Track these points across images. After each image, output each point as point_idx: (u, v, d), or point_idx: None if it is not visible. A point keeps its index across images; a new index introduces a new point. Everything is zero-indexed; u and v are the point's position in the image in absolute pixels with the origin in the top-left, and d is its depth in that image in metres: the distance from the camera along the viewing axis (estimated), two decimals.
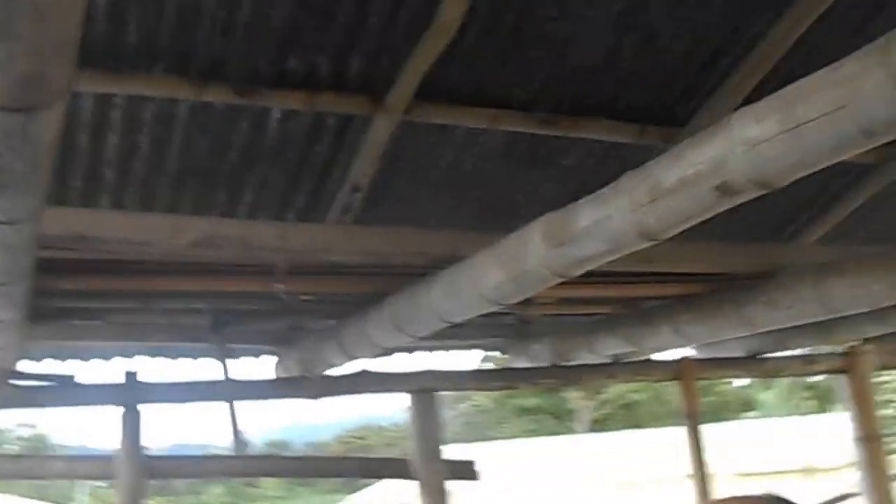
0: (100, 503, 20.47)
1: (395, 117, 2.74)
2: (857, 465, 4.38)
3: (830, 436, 12.87)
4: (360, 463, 3.45)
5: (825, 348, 4.45)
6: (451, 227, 3.06)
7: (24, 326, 2.54)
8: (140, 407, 3.17)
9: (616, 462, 15.42)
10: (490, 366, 4.26)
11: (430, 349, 3.71)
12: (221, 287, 2.98)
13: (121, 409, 3.16)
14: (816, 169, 1.47)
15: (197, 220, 2.66)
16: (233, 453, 3.44)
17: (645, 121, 3.09)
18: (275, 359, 3.67)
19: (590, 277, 2.25)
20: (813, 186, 3.38)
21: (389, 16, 2.45)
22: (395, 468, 3.35)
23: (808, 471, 13.40)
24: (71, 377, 3.19)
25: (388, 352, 3.14)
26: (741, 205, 1.67)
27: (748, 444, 14.27)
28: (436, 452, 3.31)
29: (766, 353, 4.26)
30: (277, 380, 3.59)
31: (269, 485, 22.69)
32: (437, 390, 3.42)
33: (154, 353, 3.69)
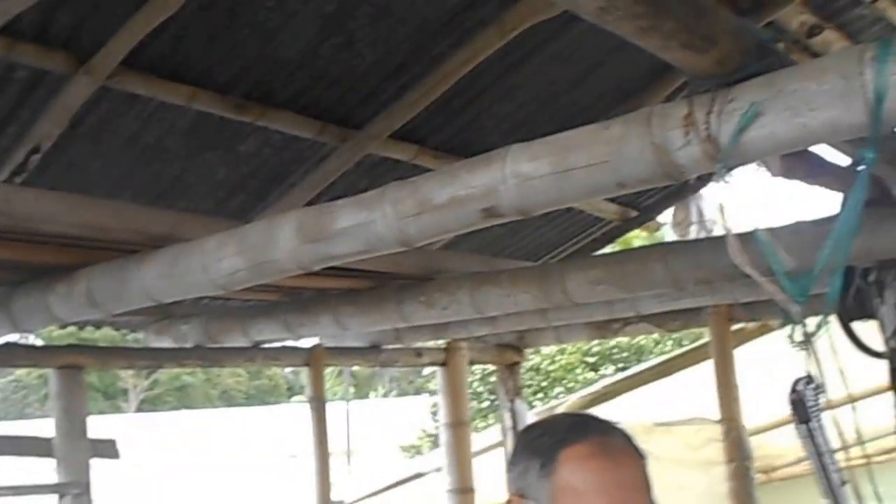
0: None
1: (96, 81, 2.67)
2: (444, 446, 4.98)
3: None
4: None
5: (430, 343, 5.00)
6: (118, 199, 3.02)
7: None
8: None
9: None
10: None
11: (79, 325, 3.57)
12: None
13: None
14: (568, 205, 1.82)
15: None
16: None
17: (327, 119, 3.31)
18: None
19: None
20: None
21: None
22: (38, 446, 3.19)
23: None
24: None
25: (63, 325, 3.00)
26: None
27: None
28: (81, 430, 3.22)
29: (383, 344, 4.70)
30: None
31: None
32: (83, 367, 3.31)
33: None
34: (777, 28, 3.79)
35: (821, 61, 1.47)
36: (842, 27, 3.97)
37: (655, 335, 15.89)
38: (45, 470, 3.21)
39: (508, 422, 5.37)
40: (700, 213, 6.61)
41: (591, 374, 14.99)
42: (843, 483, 1.38)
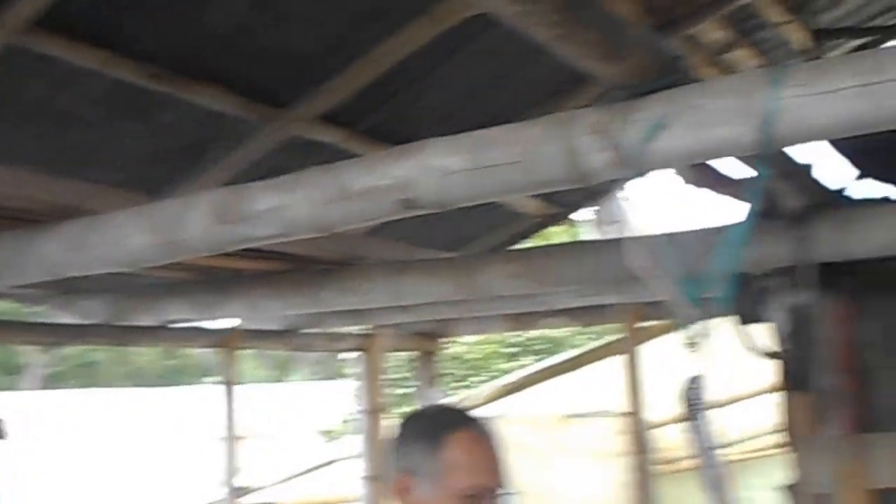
0: None
1: (3, 38, 2.61)
2: (360, 432, 5.06)
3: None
4: None
5: (350, 329, 5.05)
6: (22, 166, 2.98)
7: None
8: None
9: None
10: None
11: None
12: None
13: None
14: (486, 201, 1.90)
15: None
16: None
17: (253, 97, 3.31)
18: None
19: None
20: None
21: None
22: None
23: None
24: None
25: None
26: None
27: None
28: None
29: (301, 328, 4.74)
30: None
31: None
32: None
33: None
34: (694, 42, 3.96)
35: (721, 81, 1.58)
36: (753, 45, 4.16)
37: (574, 328, 16.20)
38: None
39: None
40: (621, 213, 6.76)
41: (510, 364, 15.18)
42: (723, 478, 1.50)
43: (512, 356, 15.68)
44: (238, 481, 4.33)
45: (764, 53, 4.37)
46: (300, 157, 3.61)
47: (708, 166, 2.20)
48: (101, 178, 3.36)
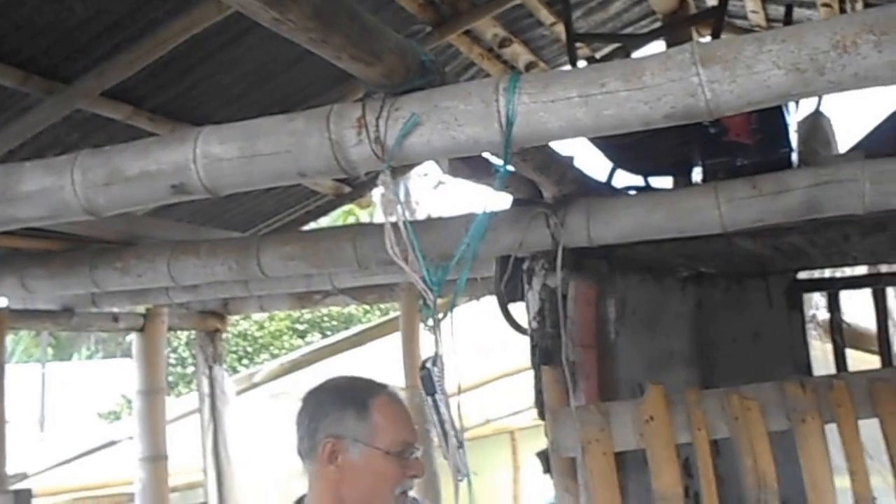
0: None
1: None
2: (137, 414, 4.96)
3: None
4: None
5: (128, 308, 4.94)
6: None
7: None
8: None
9: None
10: None
11: None
12: None
13: None
14: (253, 188, 1.98)
15: None
16: None
17: (32, 70, 3.20)
18: None
19: None
20: None
21: None
22: None
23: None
24: None
25: None
26: None
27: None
28: None
29: (78, 308, 4.60)
30: None
31: None
32: None
33: None
34: (474, 37, 4.16)
35: (467, 85, 1.73)
36: (527, 42, 4.42)
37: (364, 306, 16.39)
38: None
39: (206, 388, 5.43)
40: (407, 194, 6.97)
41: (298, 341, 15.16)
42: (461, 446, 1.66)
43: (301, 333, 15.65)
44: (13, 468, 4.17)
45: (537, 50, 4.65)
46: (84, 131, 3.53)
47: (465, 159, 2.36)
48: None
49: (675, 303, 3.67)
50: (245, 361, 14.53)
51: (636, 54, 4.11)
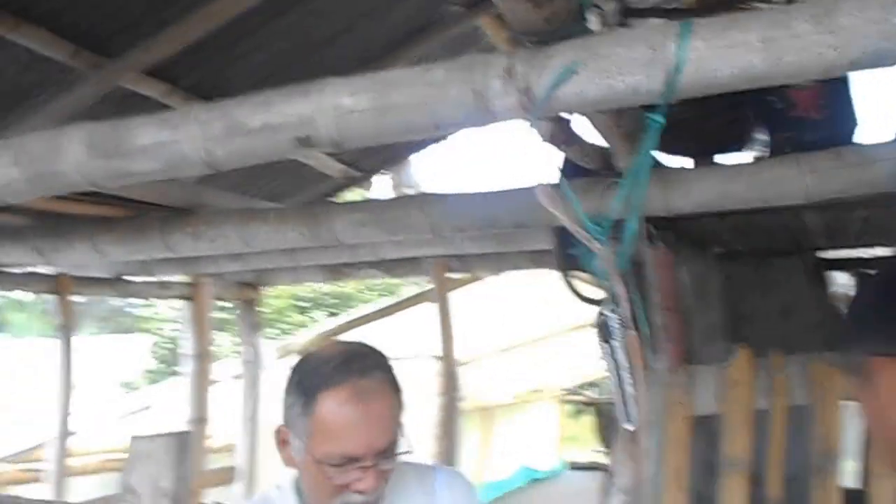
0: None
1: None
2: (189, 377, 4.77)
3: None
4: None
5: (178, 277, 4.74)
6: None
7: None
8: None
9: None
10: None
11: None
12: None
13: None
14: (387, 142, 1.78)
15: None
16: None
17: (82, 44, 2.98)
18: None
19: None
20: None
21: None
22: None
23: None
24: None
25: None
26: None
27: None
28: None
29: (130, 275, 4.38)
30: None
31: None
32: None
33: None
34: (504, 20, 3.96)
35: (633, 32, 1.53)
36: None
37: (361, 286, 16.21)
38: None
39: (249, 356, 5.25)
40: (410, 178, 6.80)
41: (301, 318, 14.95)
42: (635, 397, 1.49)
43: (304, 310, 15.43)
44: (66, 427, 3.96)
45: None
46: (120, 108, 3.30)
47: (563, 125, 2.18)
48: None
49: (713, 278, 3.52)
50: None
51: None
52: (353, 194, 5.49)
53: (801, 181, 2.35)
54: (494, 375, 6.74)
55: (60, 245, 3.18)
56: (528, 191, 2.68)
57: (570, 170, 2.67)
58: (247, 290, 5.27)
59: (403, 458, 1.49)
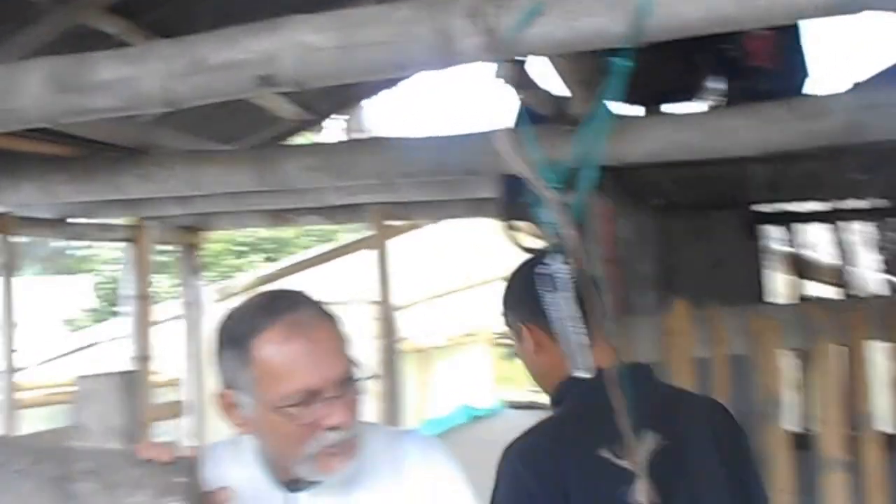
0: None
1: None
2: (128, 317, 4.63)
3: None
4: None
5: (120, 220, 4.56)
6: None
7: None
8: None
9: None
10: None
11: None
12: None
13: None
14: (350, 81, 1.70)
15: None
16: None
17: None
18: None
19: None
20: None
21: None
22: None
23: None
24: None
25: None
26: None
27: None
28: None
29: (72, 216, 4.20)
30: None
31: None
32: None
33: None
34: None
35: None
36: None
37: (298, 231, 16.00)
38: None
39: (189, 297, 5.13)
40: (362, 123, 6.66)
41: (238, 262, 14.70)
42: (584, 344, 1.47)
43: (241, 254, 15.16)
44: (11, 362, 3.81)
45: None
46: (81, 47, 3.12)
47: (522, 66, 2.11)
48: None
49: (648, 229, 3.52)
50: None
51: None
52: (302, 139, 5.32)
53: (755, 132, 2.29)
54: (430, 320, 6.75)
55: (5, 183, 3.00)
56: (480, 136, 2.65)
57: (525, 117, 2.62)
58: (188, 233, 5.12)
59: (369, 420, 1.39)
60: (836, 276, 3.73)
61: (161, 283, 11.36)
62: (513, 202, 2.99)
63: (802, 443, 2.73)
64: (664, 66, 2.62)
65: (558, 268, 1.46)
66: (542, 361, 1.58)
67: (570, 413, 1.52)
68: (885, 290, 3.85)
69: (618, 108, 3.08)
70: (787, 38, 2.37)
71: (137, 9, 3.10)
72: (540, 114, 2.63)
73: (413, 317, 6.33)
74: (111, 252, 14.12)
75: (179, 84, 1.71)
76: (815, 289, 3.91)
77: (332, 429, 1.27)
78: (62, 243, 16.19)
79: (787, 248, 3.76)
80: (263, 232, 15.74)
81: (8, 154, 3.01)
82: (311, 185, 3.05)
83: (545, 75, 2.26)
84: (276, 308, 1.32)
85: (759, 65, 2.51)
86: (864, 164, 2.65)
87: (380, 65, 1.63)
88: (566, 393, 1.53)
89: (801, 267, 3.73)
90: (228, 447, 1.43)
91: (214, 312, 5.26)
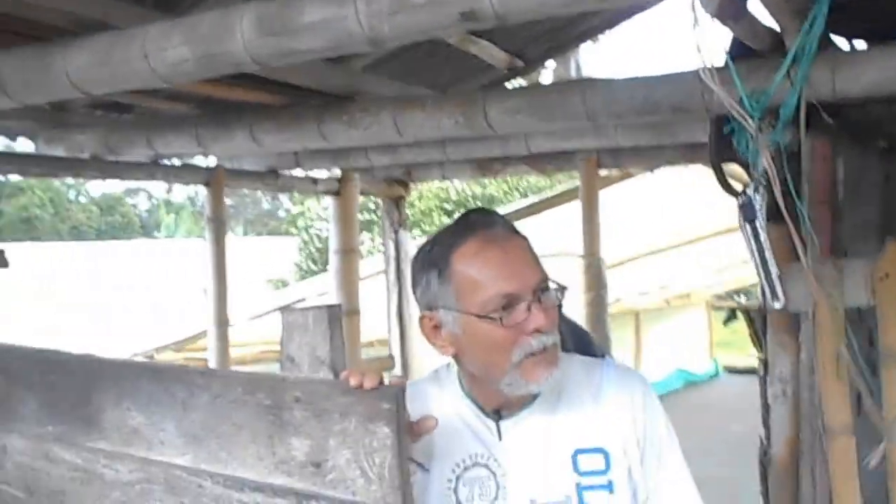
0: None
1: None
2: (334, 272, 5.01)
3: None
4: None
5: (326, 174, 4.93)
6: None
7: None
8: None
9: None
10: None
11: None
12: None
13: None
14: (546, 15, 1.79)
15: None
16: None
17: None
18: None
19: None
20: None
21: None
22: None
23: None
24: None
25: None
26: None
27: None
28: None
29: (281, 169, 4.59)
30: None
31: None
32: None
33: None
34: None
35: None
36: None
37: (505, 188, 16.34)
38: None
39: (392, 251, 5.44)
40: (578, 68, 6.68)
41: (446, 220, 15.26)
42: (780, 277, 1.49)
43: (449, 213, 15.72)
44: (224, 316, 4.26)
45: None
46: None
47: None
48: None
49: (872, 172, 3.34)
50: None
51: None
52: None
53: None
54: (643, 279, 6.70)
55: (220, 133, 3.36)
56: (689, 74, 2.65)
57: (736, 49, 2.58)
58: (394, 186, 5.42)
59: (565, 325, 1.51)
60: None
61: (366, 241, 12.07)
62: (722, 142, 2.95)
63: None
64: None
65: (755, 198, 1.49)
66: None
67: None
68: None
69: (839, 42, 2.95)
70: None
71: None
72: (751, 47, 2.58)
73: (625, 276, 6.33)
74: (319, 212, 15.10)
75: (383, 22, 1.87)
76: None
77: (535, 333, 1.41)
78: (269, 205, 17.53)
79: None
80: (473, 189, 16.20)
81: (219, 104, 3.37)
82: (516, 129, 3.16)
83: (757, 7, 2.22)
84: (470, 225, 1.49)
85: None
86: None
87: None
88: None
89: None
90: (432, 382, 1.59)
91: None
